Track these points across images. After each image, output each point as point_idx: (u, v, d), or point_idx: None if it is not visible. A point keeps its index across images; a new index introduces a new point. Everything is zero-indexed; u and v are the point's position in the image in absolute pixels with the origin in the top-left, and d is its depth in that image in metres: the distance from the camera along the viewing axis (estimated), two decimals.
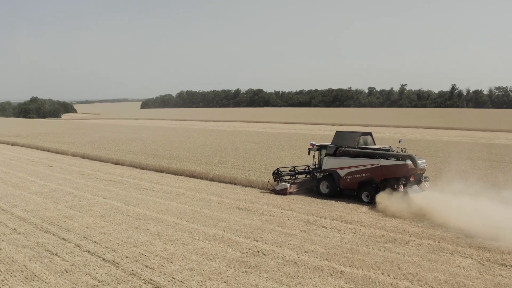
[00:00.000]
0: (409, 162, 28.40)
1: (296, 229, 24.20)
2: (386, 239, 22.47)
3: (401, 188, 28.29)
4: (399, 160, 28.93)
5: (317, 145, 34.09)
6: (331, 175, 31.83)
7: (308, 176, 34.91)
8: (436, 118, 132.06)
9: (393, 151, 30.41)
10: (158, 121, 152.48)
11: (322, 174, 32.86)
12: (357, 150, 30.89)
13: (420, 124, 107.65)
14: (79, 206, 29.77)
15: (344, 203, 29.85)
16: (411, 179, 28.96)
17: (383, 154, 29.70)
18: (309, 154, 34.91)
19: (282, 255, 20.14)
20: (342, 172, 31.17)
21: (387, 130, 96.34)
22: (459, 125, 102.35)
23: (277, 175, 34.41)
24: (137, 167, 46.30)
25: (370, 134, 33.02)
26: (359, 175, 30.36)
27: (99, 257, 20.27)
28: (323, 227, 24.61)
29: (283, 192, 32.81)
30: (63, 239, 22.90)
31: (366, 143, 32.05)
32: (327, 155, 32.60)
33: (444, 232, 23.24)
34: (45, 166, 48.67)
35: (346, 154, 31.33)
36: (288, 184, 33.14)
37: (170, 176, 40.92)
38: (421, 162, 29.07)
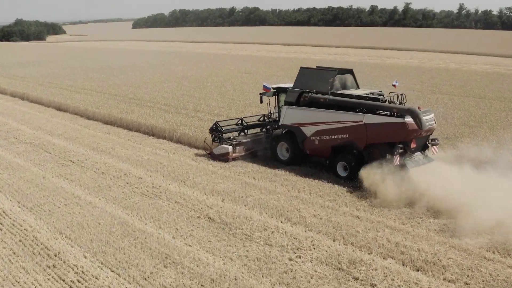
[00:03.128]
0: (409, 119, 17.87)
1: None
2: None
3: (397, 159, 18.03)
4: (393, 116, 18.44)
5: (273, 88, 22.78)
6: (293, 133, 21.19)
7: (262, 131, 23.80)
8: (449, 40, 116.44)
9: (385, 100, 19.23)
10: (145, 43, 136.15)
11: (280, 132, 21.95)
12: (330, 97, 20.09)
13: (435, 47, 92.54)
14: None
15: (399, 206, 16.80)
16: (412, 145, 18.52)
17: (370, 105, 19.03)
18: (261, 101, 23.54)
19: None
20: (308, 130, 20.52)
21: (400, 54, 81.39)
22: (478, 49, 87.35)
23: (216, 132, 22.99)
24: (81, 116, 32.77)
25: (350, 72, 21.58)
26: (332, 136, 19.85)
27: None
28: (373, 286, 11.78)
29: (224, 157, 22.11)
30: None
31: (344, 86, 21.00)
32: (287, 103, 21.53)
33: None
34: None
35: (314, 103, 20.54)
36: (231, 147, 22.17)
37: (120, 134, 27.61)
38: (428, 119, 18.24)
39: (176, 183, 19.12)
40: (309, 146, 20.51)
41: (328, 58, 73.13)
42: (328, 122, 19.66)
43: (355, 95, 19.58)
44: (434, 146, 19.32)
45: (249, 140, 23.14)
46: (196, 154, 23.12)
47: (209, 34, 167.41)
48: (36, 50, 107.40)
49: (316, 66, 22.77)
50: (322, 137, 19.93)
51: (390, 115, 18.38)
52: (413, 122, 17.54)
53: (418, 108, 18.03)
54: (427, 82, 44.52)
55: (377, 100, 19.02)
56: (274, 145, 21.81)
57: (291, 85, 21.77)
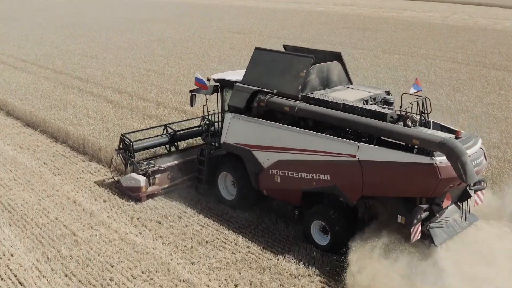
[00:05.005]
0: (441, 160, 9.20)
1: None
2: None
3: (416, 232, 9.55)
4: (412, 150, 9.90)
5: (214, 80, 13.49)
6: (239, 159, 12.53)
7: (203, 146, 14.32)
8: None
9: (397, 117, 10.46)
10: None
11: (221, 155, 13.51)
12: (301, 105, 11.23)
13: None
14: None
15: None
16: (445, 203, 9.84)
17: (368, 127, 10.14)
18: (192, 104, 13.92)
19: None
20: (264, 158, 11.84)
21: (416, 5, 68.77)
22: (500, 0, 75.22)
23: (125, 150, 14.21)
24: (1, 109, 22.56)
25: (337, 57, 12.60)
26: (304, 175, 11.13)
27: None
28: None
29: (135, 194, 13.46)
30: None
31: (326, 83, 12.19)
32: (232, 109, 12.67)
33: None
34: None
35: (275, 114, 12.00)
36: (143, 178, 13.34)
37: (38, 148, 17.44)
38: (475, 155, 9.59)
39: None
40: (266, 183, 11.98)
41: (334, 10, 61.67)
42: (296, 150, 11.03)
43: (343, 105, 10.73)
44: (479, 192, 10.62)
45: (177, 162, 14.01)
46: (145, 204, 13.32)
47: None
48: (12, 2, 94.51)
49: (283, 45, 13.59)
50: (287, 172, 11.36)
51: (406, 149, 9.85)
52: (449, 166, 9.00)
53: (457, 135, 9.57)
54: (467, 48, 34.16)
55: (382, 117, 10.11)
56: (214, 175, 13.21)
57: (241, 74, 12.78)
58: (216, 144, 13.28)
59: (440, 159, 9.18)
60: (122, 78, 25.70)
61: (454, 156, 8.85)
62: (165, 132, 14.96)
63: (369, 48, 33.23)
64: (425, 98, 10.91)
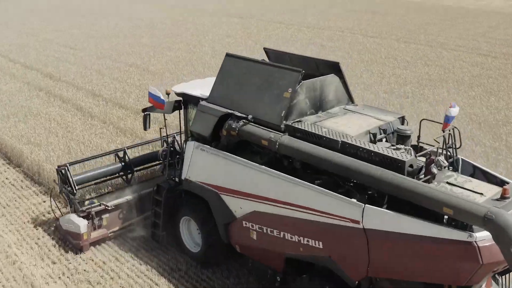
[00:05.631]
0: (483, 238, 5.89)
1: None
2: None
3: None
4: (441, 221, 6.38)
5: (177, 94, 9.81)
6: (204, 203, 9.05)
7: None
8: None
9: (419, 167, 6.94)
10: None
11: (182, 194, 9.76)
12: (285, 139, 7.75)
13: None
14: None
15: None
16: None
17: (380, 179, 6.56)
18: (146, 127, 10.13)
19: None
20: (236, 205, 8.38)
21: None
22: None
23: (64, 183, 10.64)
24: None
25: (335, 69, 8.85)
26: (289, 237, 7.60)
27: None
28: None
29: (75, 241, 10.24)
30: None
31: (320, 105, 8.59)
32: (195, 136, 9.22)
33: None
34: None
35: (249, 147, 8.48)
36: (84, 222, 10.11)
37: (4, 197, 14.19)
38: None
39: None
40: (238, 238, 8.87)
41: None
42: (277, 201, 7.81)
43: (342, 143, 7.46)
44: None
45: (129, 198, 10.80)
46: (106, 269, 9.98)
47: None
48: None
49: (264, 49, 10.12)
50: (265, 229, 8.19)
51: (432, 216, 6.56)
52: (494, 247, 5.97)
53: (503, 193, 6.60)
54: (489, 35, 30.53)
55: (398, 165, 6.86)
56: (174, 221, 10.03)
57: (208, 90, 9.31)
58: (177, 179, 9.98)
59: (482, 236, 6.19)
60: (99, 75, 22.10)
61: (506, 238, 5.76)
62: (116, 158, 11.59)
63: (382, 36, 29.52)
64: (453, 129, 7.79)
